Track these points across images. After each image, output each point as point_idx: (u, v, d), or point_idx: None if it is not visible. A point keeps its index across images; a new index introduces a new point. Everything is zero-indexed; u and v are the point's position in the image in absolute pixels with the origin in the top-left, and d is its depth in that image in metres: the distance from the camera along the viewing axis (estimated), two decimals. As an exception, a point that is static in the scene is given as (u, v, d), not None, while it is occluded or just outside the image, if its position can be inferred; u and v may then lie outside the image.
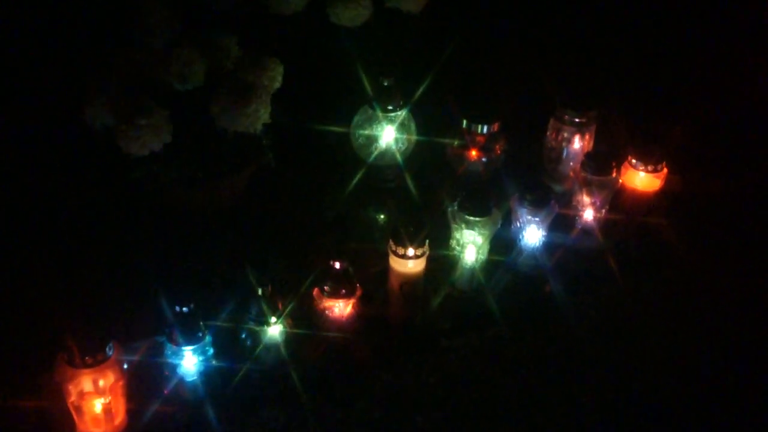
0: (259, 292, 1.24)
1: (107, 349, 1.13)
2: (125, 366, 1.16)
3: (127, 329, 1.29)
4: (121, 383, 1.16)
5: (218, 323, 1.27)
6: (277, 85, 1.46)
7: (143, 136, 1.33)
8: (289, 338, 1.28)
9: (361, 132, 1.60)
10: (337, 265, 1.28)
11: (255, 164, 1.52)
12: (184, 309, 1.19)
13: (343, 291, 1.28)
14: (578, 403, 1.29)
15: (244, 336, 1.28)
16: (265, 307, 1.24)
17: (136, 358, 1.23)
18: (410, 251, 1.32)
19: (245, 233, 1.52)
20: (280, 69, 1.46)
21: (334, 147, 1.70)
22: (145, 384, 1.24)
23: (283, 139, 1.54)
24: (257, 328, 1.26)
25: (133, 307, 1.35)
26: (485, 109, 1.59)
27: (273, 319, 1.25)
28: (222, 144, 1.46)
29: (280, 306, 1.25)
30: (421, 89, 1.63)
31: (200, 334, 1.21)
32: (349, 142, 1.63)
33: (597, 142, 1.64)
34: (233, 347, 1.28)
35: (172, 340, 1.21)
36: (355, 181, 1.62)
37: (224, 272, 1.42)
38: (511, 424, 1.26)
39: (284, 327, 1.26)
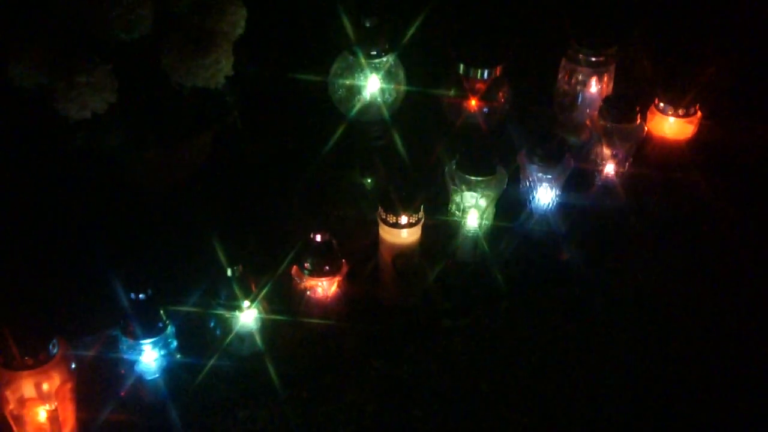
0: (229, 272, 1.23)
1: (51, 346, 1.12)
2: (73, 366, 1.14)
3: (75, 322, 1.28)
4: (68, 386, 1.15)
5: (182, 310, 1.27)
6: (240, 31, 1.44)
7: (83, 96, 1.31)
8: (265, 325, 1.28)
9: (341, 82, 1.60)
10: (318, 237, 1.28)
11: (218, 125, 1.52)
12: (141, 295, 1.18)
13: (327, 268, 1.28)
14: (600, 389, 1.30)
15: (212, 324, 1.28)
16: (236, 290, 1.24)
17: (86, 355, 1.22)
18: (403, 219, 1.32)
19: (210, 205, 1.52)
20: (243, 12, 1.43)
21: (309, 101, 1.70)
22: (98, 386, 1.23)
23: (250, 95, 1.54)
24: (228, 315, 1.26)
25: (80, 297, 1.35)
26: (485, 50, 1.59)
27: (246, 304, 1.25)
28: (177, 103, 1.44)
29: (253, 288, 1.25)
30: (410, 30, 1.63)
31: (161, 325, 1.21)
32: (327, 95, 1.63)
33: (617, 84, 1.64)
34: (200, 338, 1.28)
35: (127, 333, 1.20)
36: (335, 140, 1.61)
37: (187, 251, 1.42)
38: (523, 416, 1.27)
39: (259, 312, 1.27)
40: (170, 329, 1.22)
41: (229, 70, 1.41)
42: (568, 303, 1.41)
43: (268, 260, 1.33)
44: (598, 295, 1.42)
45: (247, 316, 1.26)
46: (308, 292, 1.30)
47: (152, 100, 1.43)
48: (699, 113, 1.53)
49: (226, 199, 1.55)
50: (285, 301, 1.31)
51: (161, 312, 1.21)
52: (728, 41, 1.84)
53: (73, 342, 1.17)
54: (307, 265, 1.28)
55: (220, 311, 1.26)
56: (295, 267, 1.29)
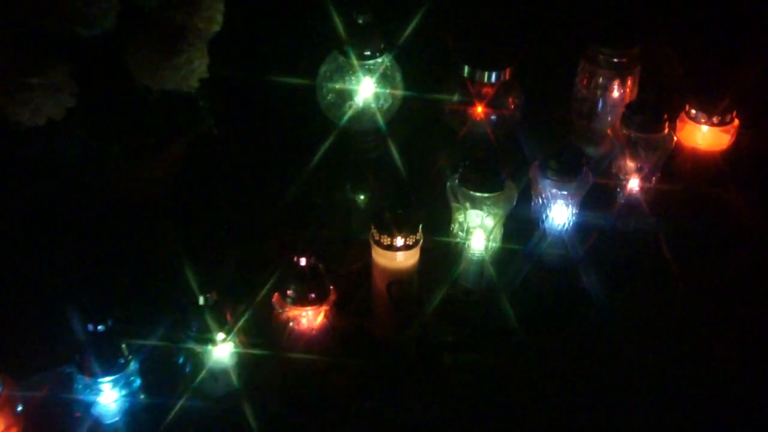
0: (201, 300, 1.23)
1: (-5, 385, 1.11)
2: (20, 408, 1.14)
3: (22, 358, 1.27)
4: (14, 432, 1.14)
5: (147, 344, 1.27)
6: (217, 27, 1.45)
7: (37, 100, 1.31)
8: (242, 361, 1.27)
9: (331, 86, 1.60)
10: (303, 261, 1.27)
11: (190, 134, 1.52)
12: (99, 327, 1.17)
13: (312, 296, 1.28)
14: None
15: (182, 360, 1.27)
16: (209, 321, 1.23)
17: (35, 396, 1.21)
18: (399, 241, 1.32)
19: (181, 224, 1.52)
20: (220, 6, 1.44)
21: (294, 108, 1.70)
22: (50, 431, 1.22)
23: (227, 100, 1.54)
24: (199, 349, 1.25)
25: (29, 329, 1.35)
26: (492, 50, 1.59)
27: (220, 336, 1.24)
28: (145, 108, 1.45)
29: (229, 318, 1.25)
30: (408, 27, 1.62)
31: (122, 361, 1.20)
32: (314, 100, 1.63)
33: (642, 88, 1.65)
34: (168, 376, 1.27)
35: (83, 370, 1.19)
36: (323, 151, 1.61)
37: (154, 275, 1.42)
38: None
39: (235, 346, 1.26)
40: (133, 366, 1.21)
41: (204, 72, 1.41)
42: (587, 338, 1.41)
43: (246, 287, 1.33)
44: (622, 329, 1.42)
45: (222, 351, 1.25)
46: (291, 324, 1.30)
47: (116, 105, 1.43)
48: (736, 121, 1.53)
49: (199, 217, 1.55)
50: (265, 334, 1.31)
51: (122, 346, 1.20)
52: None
53: (20, 381, 1.17)
54: (290, 292, 1.27)
55: (191, 345, 1.24)
56: (276, 295, 1.29)
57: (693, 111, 1.53)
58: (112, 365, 1.19)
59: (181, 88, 1.40)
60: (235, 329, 1.25)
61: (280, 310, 1.29)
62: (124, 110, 1.43)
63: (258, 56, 1.67)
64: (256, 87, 1.68)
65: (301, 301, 1.28)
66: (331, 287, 1.30)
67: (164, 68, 1.37)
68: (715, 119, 1.52)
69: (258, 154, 1.68)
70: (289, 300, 1.28)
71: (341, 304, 1.33)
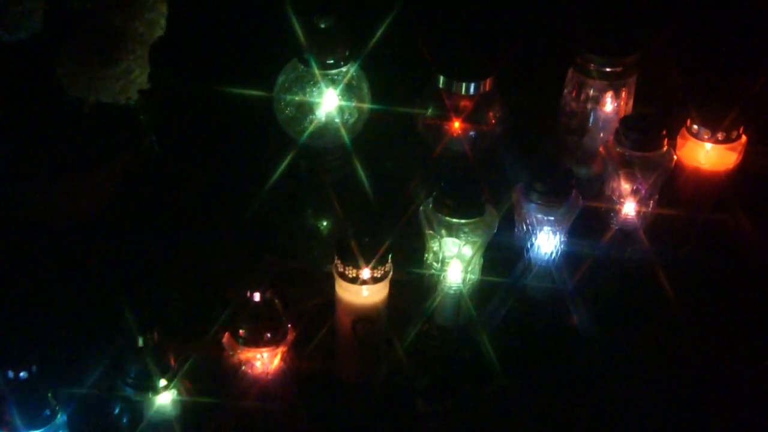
0: (141, 341, 1.22)
1: None
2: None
3: None
4: None
5: (78, 392, 1.23)
6: (160, 32, 1.45)
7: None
8: (187, 410, 1.27)
9: (290, 99, 1.60)
10: (257, 296, 1.27)
11: (129, 151, 1.53)
12: (22, 373, 1.15)
13: (268, 335, 1.28)
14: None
15: (117, 411, 1.21)
16: (149, 365, 1.23)
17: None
18: (365, 273, 1.32)
19: (118, 253, 1.52)
20: (163, 9, 1.45)
21: (249, 122, 1.71)
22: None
23: (172, 113, 1.57)
24: (138, 398, 1.23)
25: None
26: (471, 58, 1.59)
27: (162, 383, 1.23)
28: (78, 122, 1.45)
29: (172, 362, 1.24)
30: (377, 33, 1.62)
31: (48, 412, 1.18)
32: (271, 114, 1.63)
33: (638, 101, 1.65)
34: (102, 428, 1.22)
35: (2, 424, 1.17)
36: (281, 171, 1.62)
37: (86, 313, 1.41)
38: None
39: (179, 394, 1.25)
40: (60, 418, 1.18)
41: (145, 83, 1.42)
42: (577, 380, 1.41)
43: (192, 326, 1.33)
44: (616, 371, 1.42)
45: (164, 399, 1.24)
46: (244, 367, 1.29)
47: (45, 118, 1.44)
48: (743, 138, 1.53)
49: (138, 245, 1.54)
50: (214, 379, 1.30)
51: (49, 395, 1.18)
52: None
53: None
54: (242, 331, 1.27)
55: (129, 393, 1.23)
56: (227, 334, 1.28)
57: (695, 126, 1.53)
58: (36, 417, 1.17)
59: (119, 100, 1.41)
60: (180, 374, 1.24)
61: (232, 352, 1.28)
62: (54, 124, 1.45)
63: (207, 65, 1.68)
64: (205, 99, 1.68)
65: (255, 341, 1.27)
66: (290, 326, 1.29)
67: (100, 78, 1.38)
68: (719, 136, 1.52)
69: (206, 175, 1.67)
70: (241, 340, 1.27)
71: (301, 344, 1.32)
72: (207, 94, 1.67)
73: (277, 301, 1.28)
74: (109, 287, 1.34)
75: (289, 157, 1.62)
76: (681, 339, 1.46)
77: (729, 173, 1.54)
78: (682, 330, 1.47)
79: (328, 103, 1.58)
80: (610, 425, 1.36)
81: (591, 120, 1.64)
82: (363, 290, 1.32)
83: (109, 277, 1.46)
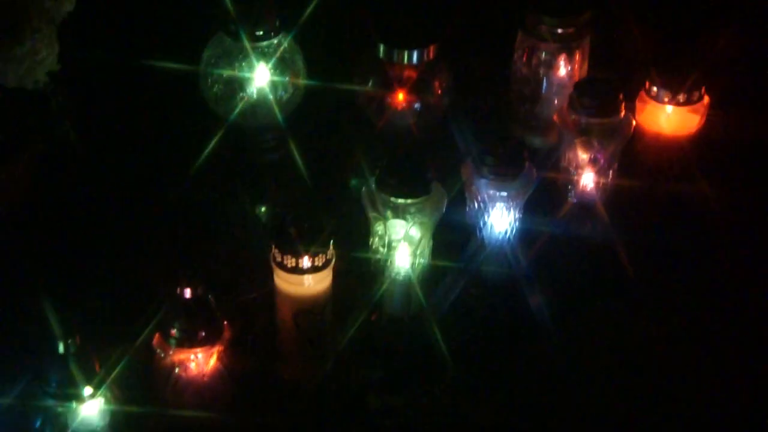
0: (62, 347, 1.20)
1: None
2: None
3: None
4: None
5: (-5, 405, 1.23)
6: (69, 6, 1.45)
7: None
8: (116, 420, 1.24)
9: (217, 74, 1.60)
10: (188, 292, 1.27)
11: (40, 141, 1.52)
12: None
13: (202, 334, 1.27)
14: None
15: (39, 423, 1.23)
16: (72, 372, 1.20)
17: None
18: (306, 261, 1.31)
19: (33, 253, 1.51)
20: None
21: (173, 102, 1.70)
22: None
23: (86, 96, 1.55)
24: (61, 408, 1.21)
25: None
26: (413, 24, 1.59)
27: (87, 391, 1.21)
28: None
29: (97, 368, 1.22)
30: (312, 2, 1.63)
31: (-38, 427, 1.16)
32: (198, 91, 1.62)
33: (593, 65, 1.67)
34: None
35: None
36: (209, 153, 1.61)
37: (1, 320, 1.40)
38: None
39: (107, 402, 1.23)
40: (-24, 433, 1.17)
41: (54, 64, 1.44)
42: (535, 370, 1.41)
43: (118, 327, 1.31)
44: (576, 357, 1.42)
45: (90, 409, 1.22)
46: (177, 370, 1.28)
47: None
48: (706, 99, 1.55)
49: (55, 243, 1.53)
50: (144, 385, 1.29)
51: (-38, 409, 1.17)
52: (745, 2, 1.87)
53: None
54: (173, 331, 1.26)
55: (50, 403, 1.21)
56: (157, 335, 1.27)
57: (654, 88, 1.54)
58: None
59: (25, 84, 1.44)
60: (107, 381, 1.22)
61: (163, 354, 1.27)
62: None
63: (124, 40, 1.68)
64: (124, 79, 1.68)
65: (188, 341, 1.26)
66: (225, 322, 1.29)
67: (2, 60, 1.36)
68: (680, 97, 1.53)
69: (128, 161, 1.66)
70: (173, 341, 1.26)
71: (238, 342, 1.31)
72: (126, 74, 1.67)
73: (210, 296, 1.28)
74: (25, 290, 1.33)
75: (217, 138, 1.61)
76: (643, 320, 1.47)
77: (691, 137, 1.55)
78: (645, 311, 1.48)
79: (260, 78, 1.59)
80: (571, 414, 1.36)
81: (544, 86, 1.65)
82: (304, 280, 1.32)
83: (24, 279, 1.44)
